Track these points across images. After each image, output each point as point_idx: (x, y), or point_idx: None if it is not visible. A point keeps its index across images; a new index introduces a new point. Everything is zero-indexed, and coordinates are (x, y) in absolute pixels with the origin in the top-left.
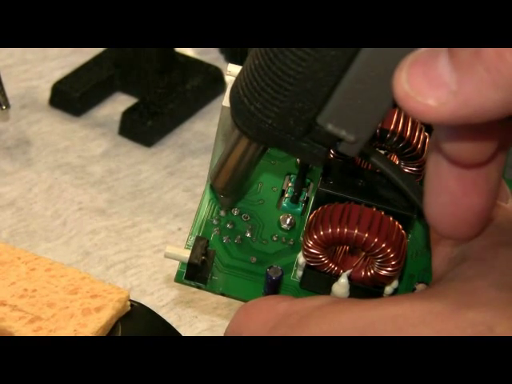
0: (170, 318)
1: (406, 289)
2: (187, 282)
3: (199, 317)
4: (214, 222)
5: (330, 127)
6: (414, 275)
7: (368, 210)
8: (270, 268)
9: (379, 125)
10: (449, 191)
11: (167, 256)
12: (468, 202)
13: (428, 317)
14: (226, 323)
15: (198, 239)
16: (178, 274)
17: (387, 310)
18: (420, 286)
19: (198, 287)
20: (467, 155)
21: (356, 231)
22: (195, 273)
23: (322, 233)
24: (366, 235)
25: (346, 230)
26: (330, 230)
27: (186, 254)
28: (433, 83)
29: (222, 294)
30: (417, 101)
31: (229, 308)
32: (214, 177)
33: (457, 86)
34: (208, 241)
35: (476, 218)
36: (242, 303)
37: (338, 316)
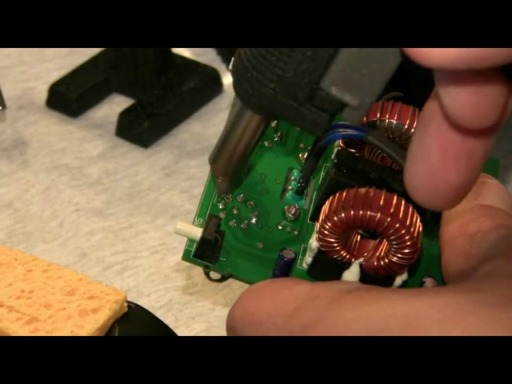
0: (167, 319)
1: (413, 282)
2: (195, 260)
3: (196, 318)
4: (220, 206)
5: (333, 91)
6: (422, 269)
7: (390, 196)
8: (282, 250)
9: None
10: (429, 162)
11: (177, 232)
12: (445, 177)
13: (478, 308)
14: (223, 324)
15: (210, 216)
16: (186, 252)
17: (432, 300)
18: (429, 280)
19: (206, 267)
20: (471, 113)
21: (379, 214)
22: (205, 251)
23: (343, 215)
24: (389, 219)
25: (368, 212)
26: (352, 212)
27: (197, 231)
28: None
29: (230, 276)
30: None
31: (226, 309)
32: (214, 157)
33: None
34: (220, 219)
35: (452, 193)
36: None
37: (376, 302)
